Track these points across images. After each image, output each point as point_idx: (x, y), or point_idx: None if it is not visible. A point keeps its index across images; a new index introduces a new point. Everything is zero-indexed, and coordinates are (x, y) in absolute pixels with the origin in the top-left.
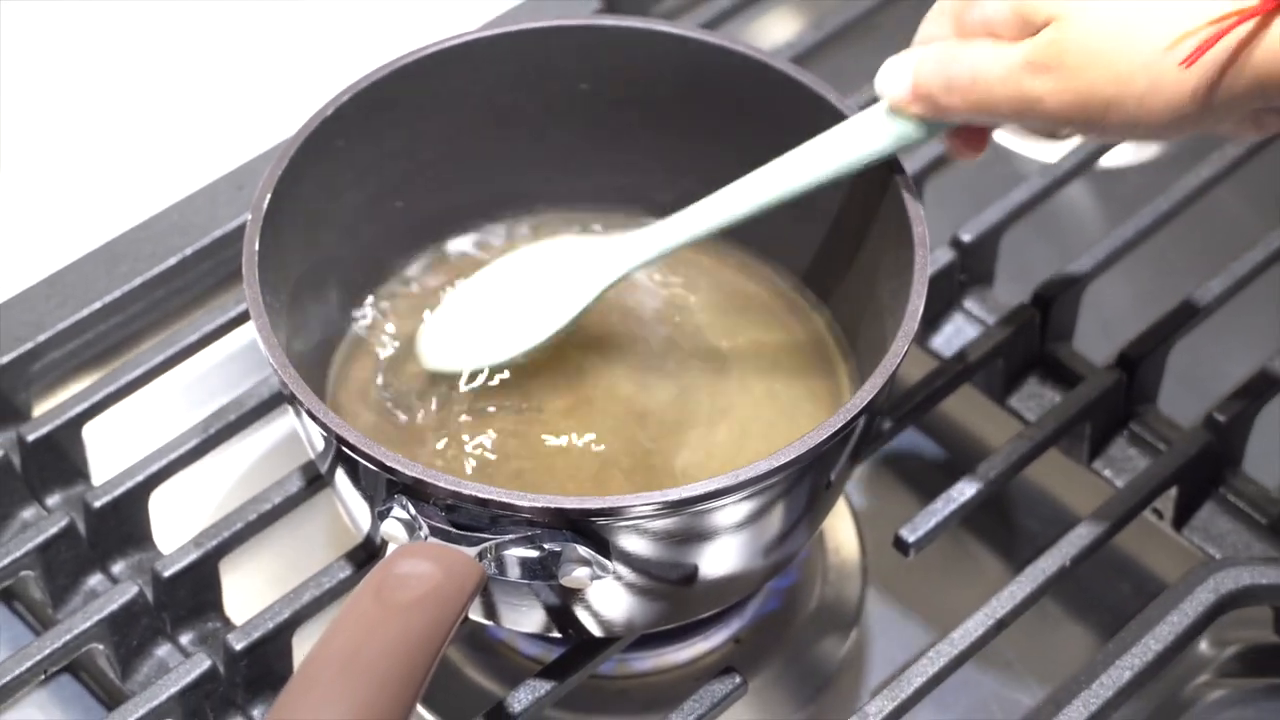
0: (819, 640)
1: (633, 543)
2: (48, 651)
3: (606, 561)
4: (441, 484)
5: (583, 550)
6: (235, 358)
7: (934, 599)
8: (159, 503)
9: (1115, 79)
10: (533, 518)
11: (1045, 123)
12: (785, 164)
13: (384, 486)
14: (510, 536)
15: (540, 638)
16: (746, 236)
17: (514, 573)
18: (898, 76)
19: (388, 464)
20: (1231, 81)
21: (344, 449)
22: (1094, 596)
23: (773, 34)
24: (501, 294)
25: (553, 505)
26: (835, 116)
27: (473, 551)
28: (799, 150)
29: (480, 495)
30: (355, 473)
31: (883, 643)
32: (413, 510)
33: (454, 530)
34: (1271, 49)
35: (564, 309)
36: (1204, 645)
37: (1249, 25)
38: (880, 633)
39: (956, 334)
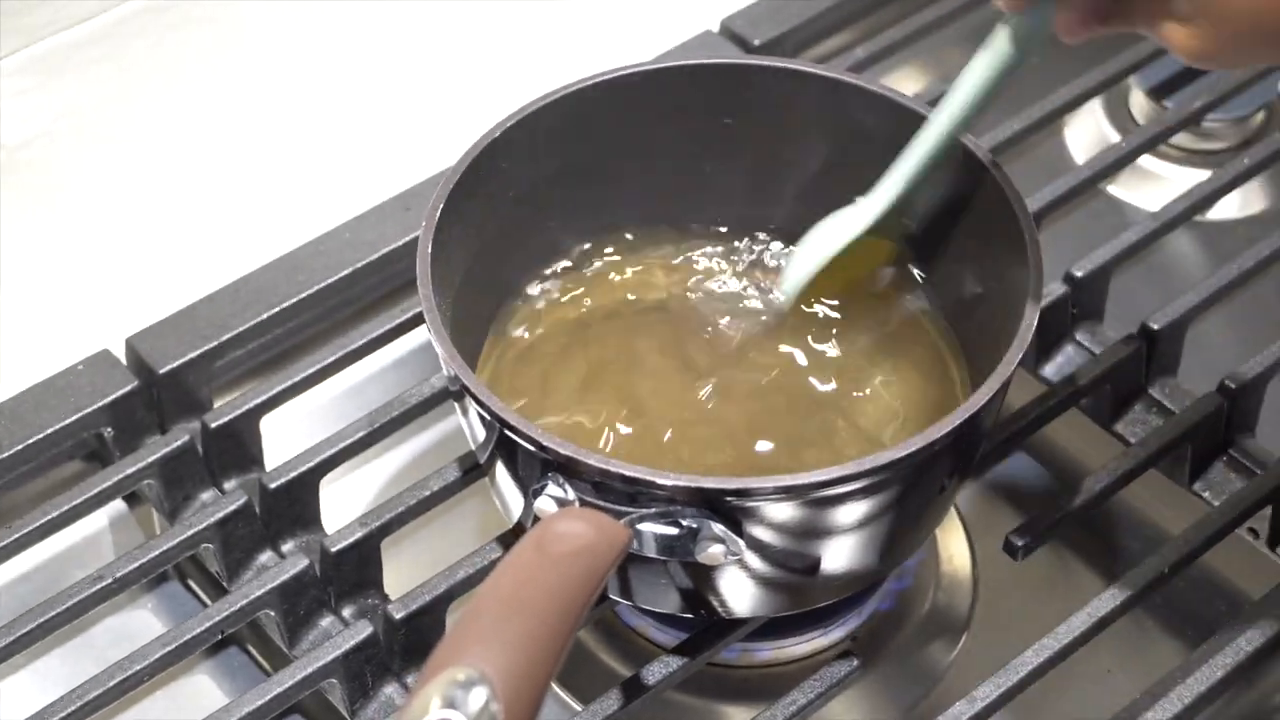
0: (930, 643)
1: (764, 524)
2: (226, 613)
3: (740, 540)
4: (591, 461)
5: (717, 528)
6: (398, 364)
7: (1040, 612)
8: (328, 491)
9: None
10: (673, 495)
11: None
12: (951, 99)
13: (538, 465)
14: (652, 510)
15: (671, 621)
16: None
17: (653, 549)
18: None
19: (543, 443)
20: None
21: (504, 430)
22: (1190, 612)
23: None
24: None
25: (692, 484)
26: (962, 151)
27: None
28: (954, 87)
29: (626, 473)
30: (512, 455)
31: (991, 650)
32: (565, 486)
33: (601, 504)
34: None
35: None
36: None
37: None
38: (989, 641)
39: (1067, 363)
